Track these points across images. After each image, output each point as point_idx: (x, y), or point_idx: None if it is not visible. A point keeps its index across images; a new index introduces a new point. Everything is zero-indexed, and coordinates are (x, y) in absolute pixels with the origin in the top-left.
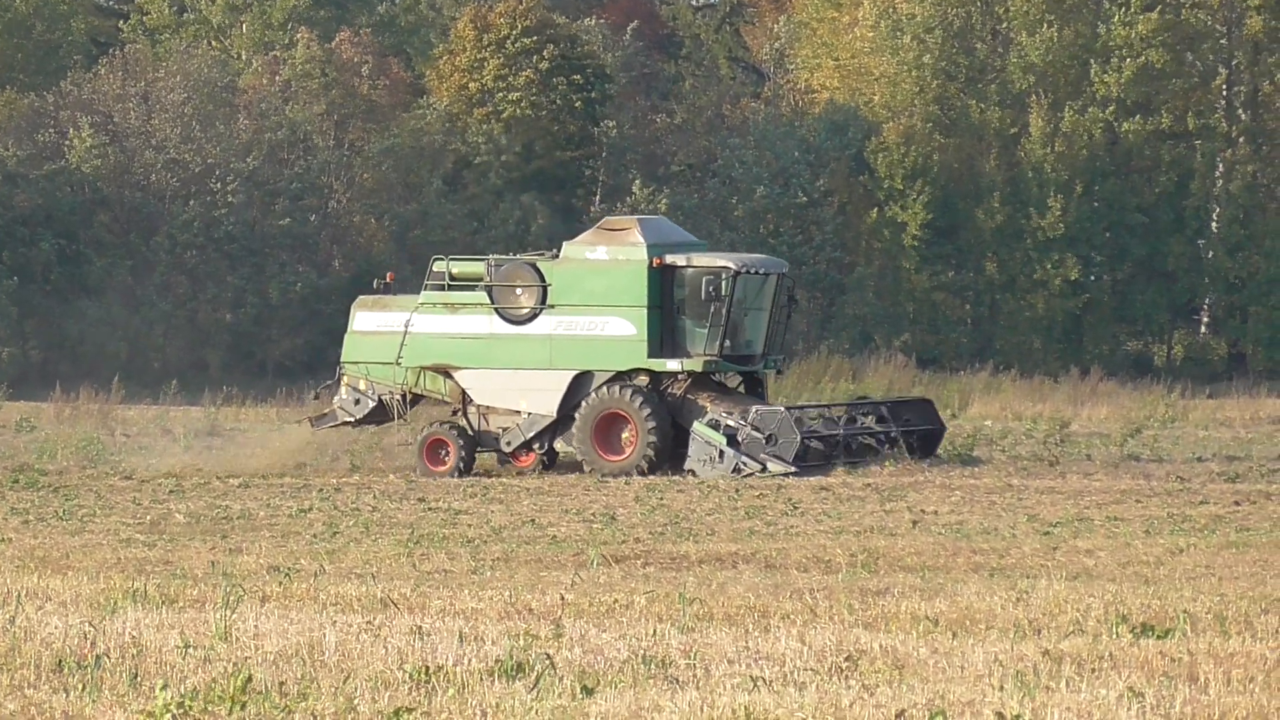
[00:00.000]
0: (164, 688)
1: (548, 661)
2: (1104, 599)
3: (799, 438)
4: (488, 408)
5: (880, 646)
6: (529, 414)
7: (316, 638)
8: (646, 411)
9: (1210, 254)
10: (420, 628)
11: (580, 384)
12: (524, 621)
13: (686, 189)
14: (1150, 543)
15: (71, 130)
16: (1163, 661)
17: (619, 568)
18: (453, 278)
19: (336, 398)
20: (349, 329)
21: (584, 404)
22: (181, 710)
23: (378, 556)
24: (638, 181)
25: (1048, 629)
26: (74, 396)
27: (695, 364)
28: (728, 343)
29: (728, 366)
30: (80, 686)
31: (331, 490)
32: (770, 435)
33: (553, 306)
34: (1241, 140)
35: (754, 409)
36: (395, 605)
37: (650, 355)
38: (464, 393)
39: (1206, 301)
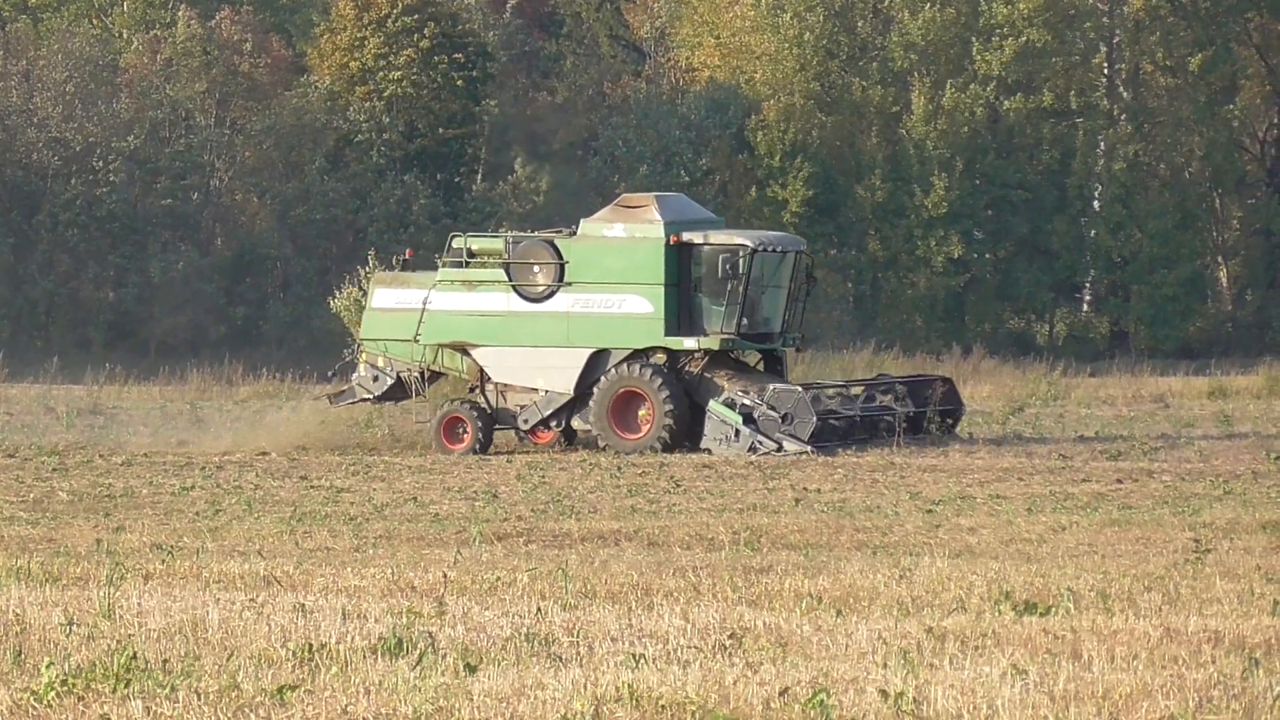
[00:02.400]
0: (49, 666)
1: (430, 639)
2: (987, 577)
3: (814, 419)
4: (505, 385)
5: (764, 624)
6: (546, 392)
7: (200, 615)
8: (663, 389)
9: (1092, 232)
10: (303, 605)
11: (597, 362)
12: (407, 599)
13: (568, 167)
14: (1033, 520)
15: None
16: (1046, 639)
17: (501, 545)
18: (472, 254)
19: (355, 375)
20: (367, 305)
21: (600, 382)
22: (65, 688)
23: (260, 534)
24: (519, 160)
25: (931, 607)
26: None
27: (712, 342)
28: (745, 321)
29: (745, 345)
30: None
31: (214, 468)
32: (786, 414)
33: (570, 284)
34: (1123, 119)
35: (770, 387)
36: (278, 583)
37: (667, 333)
38: (481, 370)
39: (1088, 280)
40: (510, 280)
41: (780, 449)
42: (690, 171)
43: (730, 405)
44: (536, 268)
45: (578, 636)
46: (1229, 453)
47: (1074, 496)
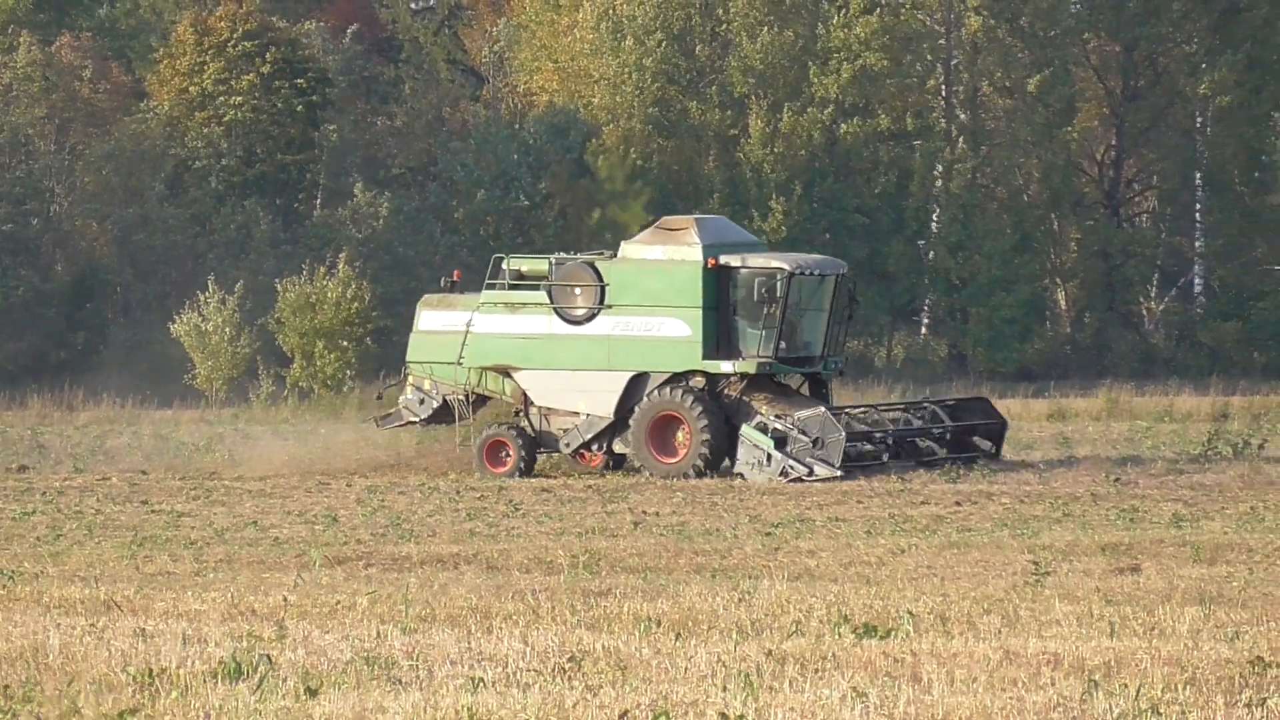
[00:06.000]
0: None
1: (270, 663)
2: (826, 599)
3: (842, 434)
4: (549, 409)
5: (603, 647)
6: (587, 415)
7: (40, 640)
8: (699, 413)
9: (931, 254)
10: (144, 630)
11: (637, 385)
12: (247, 623)
13: (407, 192)
14: (872, 543)
15: None
16: (886, 661)
17: (341, 569)
18: (521, 276)
19: (402, 397)
20: (414, 328)
21: (639, 405)
22: None
23: (101, 559)
24: (359, 185)
25: (770, 629)
26: None
27: (748, 366)
28: (783, 344)
29: (782, 368)
30: None
31: (55, 493)
32: (817, 439)
33: (610, 307)
34: (961, 140)
35: (799, 412)
36: (119, 608)
37: (705, 357)
38: (524, 393)
39: (927, 302)
40: (552, 303)
41: (811, 473)
42: (530, 195)
43: (762, 429)
44: (577, 290)
45: (418, 660)
46: (1068, 475)
47: (913, 519)
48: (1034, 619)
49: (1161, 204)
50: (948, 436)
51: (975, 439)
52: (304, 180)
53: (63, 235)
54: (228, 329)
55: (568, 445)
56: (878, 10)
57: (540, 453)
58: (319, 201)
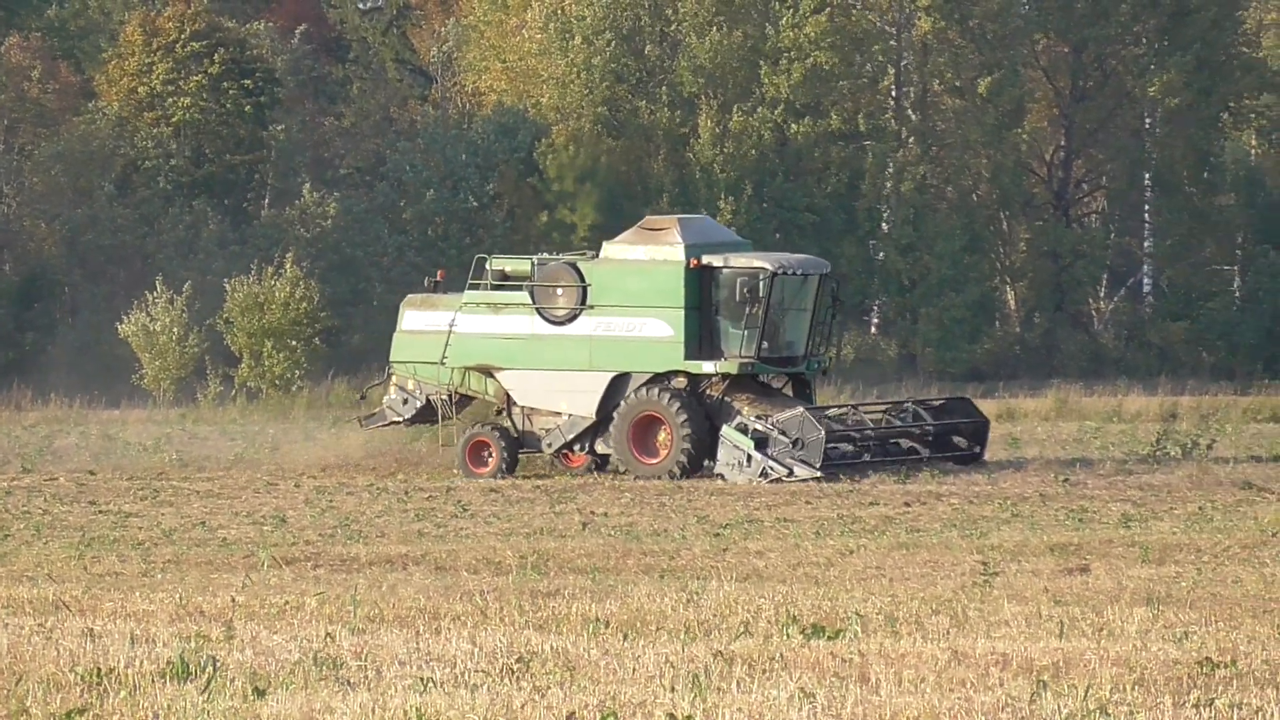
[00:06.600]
0: None
1: (217, 663)
2: (774, 600)
3: (821, 434)
4: (531, 409)
5: (551, 648)
6: (570, 415)
7: None
8: (681, 414)
9: (881, 255)
10: (92, 630)
11: (619, 385)
12: (195, 623)
13: (356, 192)
14: (820, 544)
15: None
16: (834, 662)
17: (290, 570)
18: (504, 276)
19: (386, 397)
20: (397, 328)
21: (620, 406)
22: None
23: (49, 559)
24: (307, 185)
25: (718, 630)
26: None
27: (730, 366)
28: (765, 344)
29: (765, 368)
30: None
31: (2, 493)
32: (797, 439)
33: (592, 307)
34: (911, 141)
35: (793, 410)
36: (67, 608)
37: (687, 357)
38: (507, 394)
39: (877, 302)
40: (534, 303)
41: (791, 474)
42: (478, 196)
43: (743, 430)
44: (559, 290)
45: (366, 660)
46: (1017, 476)
47: (862, 520)
48: (982, 619)
49: (1111, 204)
50: (930, 437)
51: (956, 439)
52: (252, 180)
53: (11, 236)
54: (176, 329)
55: (550, 445)
56: (828, 10)
57: (522, 453)
58: (267, 201)
